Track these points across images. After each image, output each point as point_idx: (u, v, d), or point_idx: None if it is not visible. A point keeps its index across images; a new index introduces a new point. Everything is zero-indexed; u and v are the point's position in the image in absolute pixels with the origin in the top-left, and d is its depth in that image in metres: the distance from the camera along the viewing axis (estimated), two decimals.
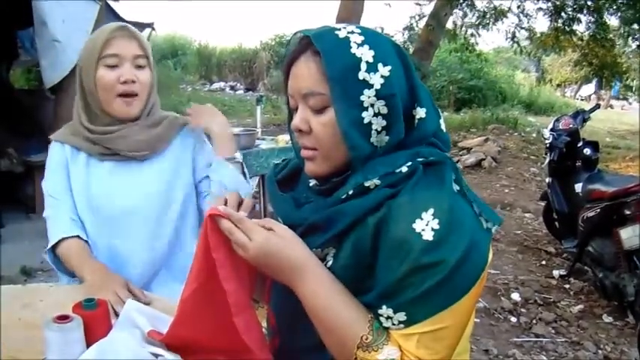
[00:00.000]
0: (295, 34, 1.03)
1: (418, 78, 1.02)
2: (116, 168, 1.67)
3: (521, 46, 11.80)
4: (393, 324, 0.92)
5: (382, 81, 0.96)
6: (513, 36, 11.38)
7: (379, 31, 1.18)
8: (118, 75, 1.59)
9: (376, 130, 0.97)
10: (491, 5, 11.08)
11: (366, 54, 0.96)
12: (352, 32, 0.98)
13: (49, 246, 1.62)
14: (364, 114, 0.96)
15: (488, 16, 11.08)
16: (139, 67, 1.63)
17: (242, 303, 1.02)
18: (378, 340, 0.92)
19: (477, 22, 11.30)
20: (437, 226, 0.89)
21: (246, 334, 1.01)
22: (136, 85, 1.61)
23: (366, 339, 0.92)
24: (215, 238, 0.99)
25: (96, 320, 1.13)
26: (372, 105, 0.96)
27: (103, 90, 1.60)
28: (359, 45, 0.96)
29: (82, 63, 1.65)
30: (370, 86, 0.95)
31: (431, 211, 0.90)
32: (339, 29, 0.98)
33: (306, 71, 0.98)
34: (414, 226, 0.90)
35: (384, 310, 0.92)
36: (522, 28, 11.24)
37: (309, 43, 0.98)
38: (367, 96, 0.95)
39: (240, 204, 1.06)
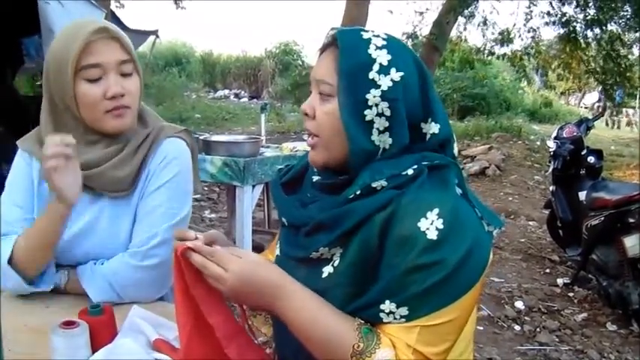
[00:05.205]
0: (330, 30, 1.07)
1: (435, 93, 1.06)
2: (91, 205, 1.42)
3: (528, 75, 11.53)
4: (395, 318, 0.94)
5: (390, 84, 0.99)
6: (520, 59, 11.18)
7: None
8: (104, 89, 1.34)
9: (377, 129, 1.00)
10: (496, 31, 10.83)
11: (382, 56, 0.99)
12: (377, 36, 1.02)
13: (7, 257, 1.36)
14: (367, 111, 0.99)
15: (489, 45, 10.95)
16: (126, 74, 1.38)
17: (230, 332, 1.03)
18: (369, 345, 0.93)
19: (481, 49, 11.18)
20: (441, 226, 0.92)
21: None
22: (125, 98, 1.37)
23: (358, 347, 0.93)
24: (190, 274, 1.00)
25: (101, 326, 1.14)
26: (377, 105, 0.99)
27: (87, 108, 1.36)
28: (378, 47, 1.00)
29: (52, 73, 1.36)
30: (377, 87, 0.99)
31: (436, 211, 0.93)
32: (367, 31, 1.03)
33: (325, 61, 1.03)
34: (419, 224, 0.93)
35: (387, 305, 0.94)
36: (528, 54, 11.08)
37: (336, 38, 1.03)
38: (373, 95, 0.99)
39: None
